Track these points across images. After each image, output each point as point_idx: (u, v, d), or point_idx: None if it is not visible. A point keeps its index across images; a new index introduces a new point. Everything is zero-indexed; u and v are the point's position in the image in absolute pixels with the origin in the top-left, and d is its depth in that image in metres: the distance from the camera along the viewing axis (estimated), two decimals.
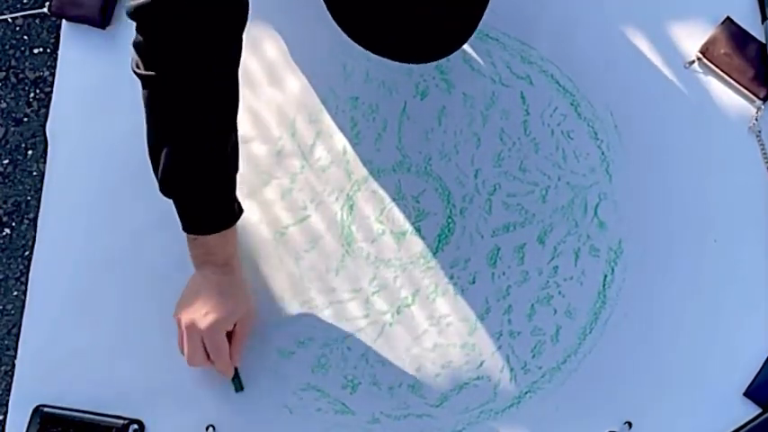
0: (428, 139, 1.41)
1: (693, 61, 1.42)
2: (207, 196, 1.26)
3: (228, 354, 1.30)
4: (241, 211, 1.31)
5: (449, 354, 1.35)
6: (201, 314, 1.27)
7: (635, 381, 1.33)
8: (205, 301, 1.28)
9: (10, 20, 1.51)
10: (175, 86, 1.20)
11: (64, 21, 1.46)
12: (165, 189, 1.25)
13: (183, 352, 1.30)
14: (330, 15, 1.09)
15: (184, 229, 1.28)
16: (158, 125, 1.23)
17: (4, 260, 1.44)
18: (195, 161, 1.23)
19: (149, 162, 1.25)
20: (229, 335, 1.30)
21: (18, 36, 1.51)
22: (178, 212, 1.27)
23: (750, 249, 1.36)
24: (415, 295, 1.37)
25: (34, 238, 1.42)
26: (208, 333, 1.27)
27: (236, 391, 1.34)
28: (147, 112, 1.23)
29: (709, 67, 1.42)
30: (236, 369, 1.33)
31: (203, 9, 1.18)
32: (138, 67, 1.21)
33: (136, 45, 1.21)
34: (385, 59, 1.13)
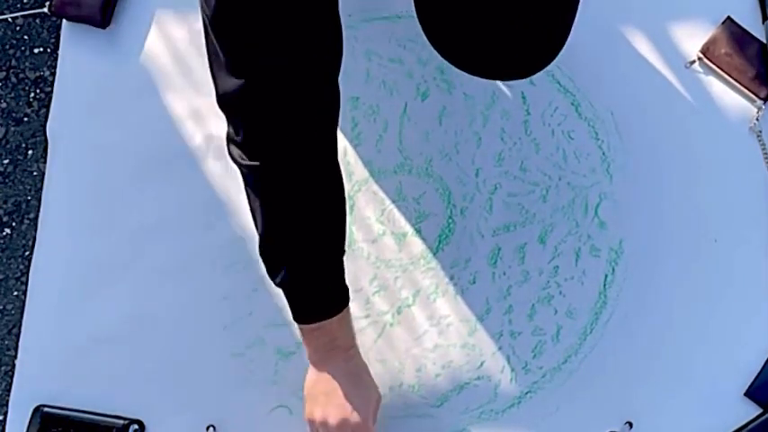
0: (429, 139, 1.41)
1: (694, 61, 1.42)
2: (329, 276, 1.21)
3: None
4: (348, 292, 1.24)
5: (449, 354, 1.35)
6: (351, 411, 1.22)
7: (636, 381, 1.33)
8: (348, 395, 1.22)
9: (10, 19, 1.50)
10: (285, 173, 1.14)
11: (64, 20, 1.46)
12: (289, 278, 1.19)
13: None
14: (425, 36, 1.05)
15: (306, 319, 1.22)
16: (273, 212, 1.17)
17: (5, 260, 1.44)
18: (320, 243, 1.18)
19: (261, 254, 1.20)
20: None
21: (18, 36, 1.50)
22: (297, 304, 1.21)
23: (751, 249, 1.36)
24: (415, 295, 1.37)
25: (34, 238, 1.41)
26: (360, 428, 1.22)
27: None
28: (258, 201, 1.17)
29: (709, 67, 1.41)
30: None
31: (298, 89, 1.11)
32: (242, 159, 1.15)
33: (230, 136, 1.15)
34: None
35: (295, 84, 1.10)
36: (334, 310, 1.21)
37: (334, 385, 1.23)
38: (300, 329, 1.23)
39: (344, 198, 1.20)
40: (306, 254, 1.19)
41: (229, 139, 1.16)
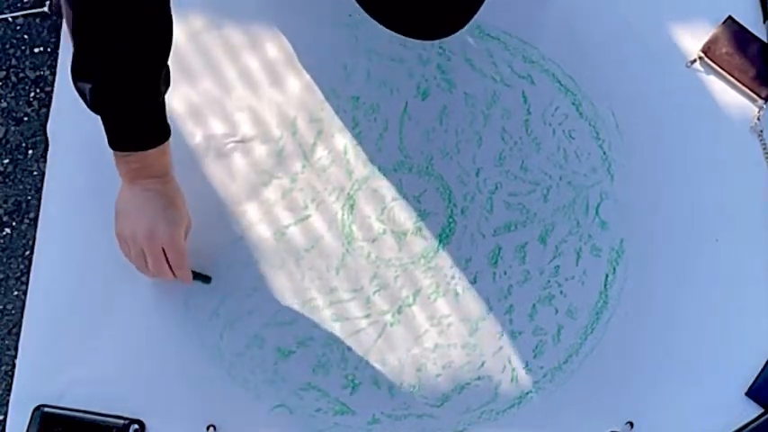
0: (429, 138, 1.41)
1: (695, 60, 1.42)
2: (146, 112, 1.24)
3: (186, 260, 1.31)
4: (170, 128, 1.28)
5: (450, 354, 1.35)
6: (159, 225, 1.27)
7: (636, 381, 1.33)
8: (160, 212, 1.27)
9: (10, 19, 1.50)
10: (107, 7, 1.15)
11: (64, 20, 1.45)
12: (99, 106, 1.22)
13: (138, 268, 1.31)
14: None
15: (119, 145, 1.25)
16: (90, 46, 1.18)
17: (5, 260, 1.44)
18: (135, 77, 1.20)
19: (74, 89, 1.21)
20: None
21: (18, 35, 1.50)
22: (111, 130, 1.24)
23: (752, 249, 1.36)
24: (415, 295, 1.37)
25: (35, 237, 1.41)
26: (171, 243, 1.28)
27: (207, 283, 1.36)
28: (75, 37, 1.18)
29: (710, 67, 1.41)
30: (192, 271, 1.34)
31: None
32: None
33: None
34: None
35: None
36: (150, 144, 1.25)
37: (145, 202, 1.27)
38: (114, 154, 1.26)
39: (169, 40, 1.23)
40: (127, 86, 1.20)
41: None
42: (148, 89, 1.23)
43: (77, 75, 1.20)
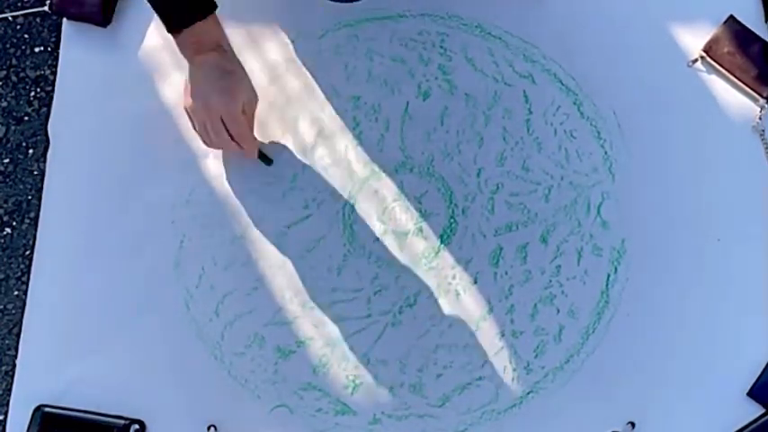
0: (430, 139, 1.41)
1: (697, 60, 1.42)
2: None
3: (250, 129, 1.34)
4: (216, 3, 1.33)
5: (451, 354, 1.35)
6: (216, 97, 1.30)
7: (638, 381, 1.33)
8: (214, 83, 1.31)
9: (10, 18, 1.50)
10: None
11: (65, 19, 1.45)
12: None
13: (204, 140, 1.34)
14: None
15: (172, 28, 1.31)
16: None
17: (5, 260, 1.44)
18: None
19: None
20: None
21: (19, 35, 1.50)
22: (161, 13, 1.31)
23: (753, 248, 1.36)
24: (416, 295, 1.37)
25: (35, 237, 1.41)
26: (227, 111, 1.31)
27: (268, 164, 1.39)
28: None
29: (712, 66, 1.41)
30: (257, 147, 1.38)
31: None
32: None
33: None
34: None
35: None
36: (198, 15, 1.31)
37: (203, 75, 1.32)
38: (173, 36, 1.32)
39: None
40: None
41: None
42: None
43: None
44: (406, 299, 1.37)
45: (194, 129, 1.34)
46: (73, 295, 1.38)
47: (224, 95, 1.31)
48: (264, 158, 1.39)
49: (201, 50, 1.32)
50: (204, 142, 1.35)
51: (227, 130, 1.32)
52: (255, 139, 1.37)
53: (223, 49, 1.33)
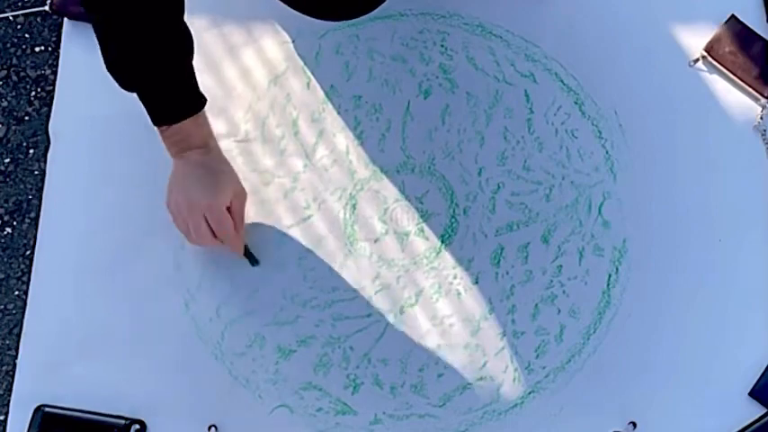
0: (432, 138, 1.41)
1: (698, 59, 1.41)
2: (171, 83, 1.26)
3: (234, 228, 1.31)
4: (205, 99, 1.31)
5: (452, 354, 1.35)
6: (199, 194, 1.28)
7: (639, 381, 1.33)
8: (197, 180, 1.29)
9: (11, 18, 1.50)
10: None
11: (65, 18, 1.45)
12: (128, 82, 1.26)
13: (188, 237, 1.32)
14: None
15: (156, 121, 1.28)
16: (105, 21, 1.24)
17: (6, 259, 1.44)
18: (152, 48, 1.24)
19: (110, 71, 1.26)
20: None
21: (19, 34, 1.50)
22: (147, 106, 1.27)
23: (755, 248, 1.36)
24: (417, 295, 1.37)
25: (35, 237, 1.41)
26: (210, 209, 1.29)
27: (253, 265, 1.36)
28: (93, 18, 1.24)
29: (713, 66, 1.41)
30: (245, 245, 1.35)
31: None
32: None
33: None
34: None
35: None
36: (185, 113, 1.27)
37: (186, 174, 1.30)
38: (158, 130, 1.29)
39: (182, 18, 1.25)
40: (152, 70, 1.24)
41: None
42: (171, 70, 1.26)
43: (108, 66, 1.26)
44: (407, 299, 1.37)
45: (178, 228, 1.32)
46: (73, 295, 1.38)
47: (207, 194, 1.29)
48: (251, 258, 1.36)
49: (187, 148, 1.29)
50: (189, 241, 1.33)
51: (211, 229, 1.30)
52: (241, 237, 1.34)
53: (210, 148, 1.31)
